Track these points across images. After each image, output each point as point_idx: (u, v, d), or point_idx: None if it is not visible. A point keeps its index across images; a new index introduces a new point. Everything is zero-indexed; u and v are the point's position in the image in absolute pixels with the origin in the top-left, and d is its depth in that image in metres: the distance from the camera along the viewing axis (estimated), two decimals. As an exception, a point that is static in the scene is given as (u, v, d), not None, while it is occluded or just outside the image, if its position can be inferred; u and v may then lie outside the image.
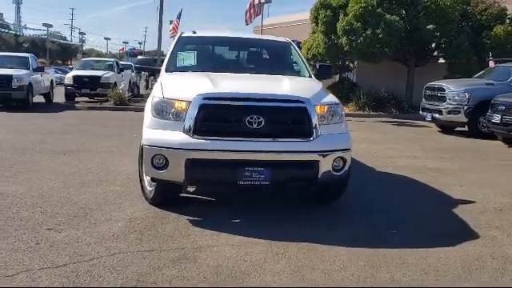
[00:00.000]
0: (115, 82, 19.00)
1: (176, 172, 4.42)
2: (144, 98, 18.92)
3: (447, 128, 13.53)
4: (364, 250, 4.02)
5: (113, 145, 8.79)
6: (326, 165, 4.56)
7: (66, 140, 9.12)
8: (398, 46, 17.41)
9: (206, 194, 5.53)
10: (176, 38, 5.94)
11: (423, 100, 13.89)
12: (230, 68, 5.41)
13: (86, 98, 19.02)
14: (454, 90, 12.72)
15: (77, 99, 18.79)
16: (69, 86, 18.60)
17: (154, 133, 4.54)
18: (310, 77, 5.73)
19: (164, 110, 4.53)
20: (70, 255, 3.67)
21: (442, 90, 13.02)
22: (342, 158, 4.66)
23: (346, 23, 16.53)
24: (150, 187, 5.05)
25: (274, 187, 5.12)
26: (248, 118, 4.38)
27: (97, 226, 4.34)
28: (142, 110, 17.83)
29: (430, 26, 17.42)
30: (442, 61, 19.22)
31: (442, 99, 12.88)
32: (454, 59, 17.74)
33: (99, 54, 76.56)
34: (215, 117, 4.46)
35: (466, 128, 12.83)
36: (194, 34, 6.23)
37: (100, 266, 3.52)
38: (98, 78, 18.54)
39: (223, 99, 4.47)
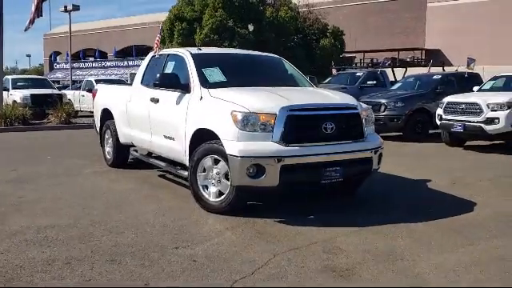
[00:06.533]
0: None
1: (272, 178, 4.83)
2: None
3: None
4: (433, 223, 5.04)
5: (71, 167, 8.02)
6: (375, 160, 5.51)
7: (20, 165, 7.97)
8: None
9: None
10: (189, 56, 6.03)
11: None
12: (260, 82, 5.87)
13: None
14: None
15: None
16: None
17: (245, 144, 4.84)
18: (312, 86, 6.59)
19: (250, 123, 4.88)
20: (246, 264, 3.86)
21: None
22: (381, 153, 5.66)
23: (205, 36, 17.41)
24: (215, 198, 5.26)
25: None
26: (324, 124, 5.07)
27: (213, 239, 4.47)
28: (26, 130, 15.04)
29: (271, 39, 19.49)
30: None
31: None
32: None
33: None
34: (300, 126, 5.01)
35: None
36: (203, 51, 6.43)
37: (284, 266, 3.85)
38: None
39: (305, 110, 5.08)
